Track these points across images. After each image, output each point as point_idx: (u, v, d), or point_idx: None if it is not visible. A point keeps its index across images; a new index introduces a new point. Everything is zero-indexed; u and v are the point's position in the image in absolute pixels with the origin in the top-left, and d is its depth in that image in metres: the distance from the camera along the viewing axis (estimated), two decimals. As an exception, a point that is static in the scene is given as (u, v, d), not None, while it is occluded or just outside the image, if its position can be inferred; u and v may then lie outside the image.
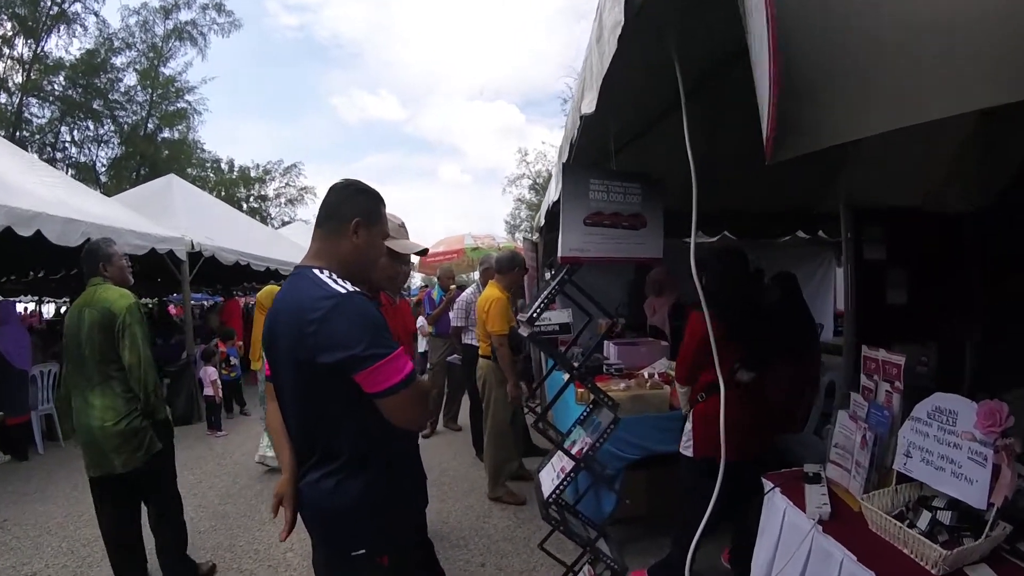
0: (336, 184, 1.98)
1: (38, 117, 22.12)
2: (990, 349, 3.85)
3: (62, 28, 21.60)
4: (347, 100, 63.76)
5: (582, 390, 3.85)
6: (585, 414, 3.49)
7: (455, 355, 6.90)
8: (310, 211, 30.73)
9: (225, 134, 47.69)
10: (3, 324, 6.98)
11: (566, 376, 3.38)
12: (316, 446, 1.81)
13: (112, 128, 23.79)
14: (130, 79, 24.14)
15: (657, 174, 2.82)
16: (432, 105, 68.53)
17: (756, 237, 6.63)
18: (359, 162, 68.13)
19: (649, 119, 3.52)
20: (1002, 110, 0.90)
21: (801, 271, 5.92)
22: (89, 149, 23.82)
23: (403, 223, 2.55)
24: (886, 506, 2.09)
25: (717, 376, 3.01)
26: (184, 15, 24.76)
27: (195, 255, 8.17)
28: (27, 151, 18.95)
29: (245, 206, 29.66)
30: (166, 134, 25.91)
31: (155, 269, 8.66)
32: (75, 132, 23.30)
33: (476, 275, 7.36)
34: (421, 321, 7.88)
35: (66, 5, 21.32)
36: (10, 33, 20.61)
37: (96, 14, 22.08)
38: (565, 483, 3.03)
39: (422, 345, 8.05)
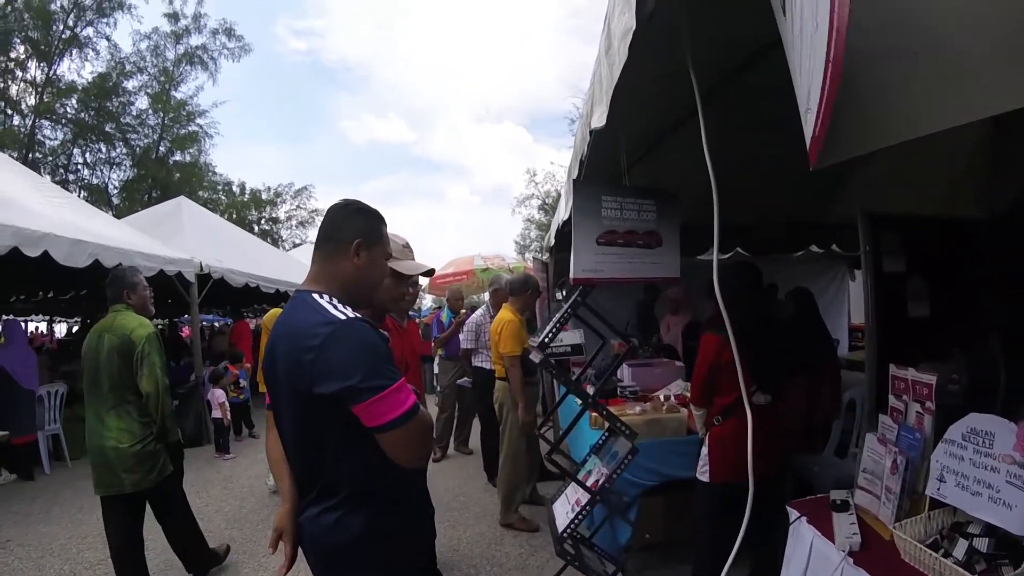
0: (335, 204, 1.91)
1: (51, 139, 22.53)
2: (1016, 362, 3.73)
3: (74, 52, 22.04)
4: (356, 123, 64.37)
5: (596, 414, 3.74)
6: (601, 441, 3.38)
7: (466, 378, 6.83)
8: (321, 233, 30.93)
9: (236, 157, 47.95)
10: (10, 344, 7.04)
11: (580, 402, 3.28)
12: (316, 479, 1.72)
13: (124, 151, 24.13)
14: (142, 102, 24.56)
15: (670, 189, 2.74)
16: (440, 127, 69.11)
17: (769, 252, 6.51)
18: (368, 184, 68.42)
19: (659, 133, 3.46)
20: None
21: (814, 286, 5.83)
22: (101, 171, 24.19)
23: (408, 243, 2.46)
24: (919, 534, 1.98)
25: (732, 398, 2.97)
26: (195, 40, 25.21)
27: (204, 277, 8.16)
28: (40, 173, 19.29)
29: (256, 228, 29.88)
30: (178, 157, 26.19)
31: (164, 291, 8.62)
32: (87, 154, 23.67)
33: (486, 296, 7.29)
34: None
35: (78, 29, 21.76)
36: (23, 56, 21.01)
37: (108, 38, 22.54)
38: (580, 517, 2.92)
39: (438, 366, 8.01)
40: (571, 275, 2.58)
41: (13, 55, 20.79)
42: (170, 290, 8.19)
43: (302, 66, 55.85)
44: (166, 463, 3.66)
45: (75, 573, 4.41)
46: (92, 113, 22.57)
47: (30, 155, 20.78)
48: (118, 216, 14.26)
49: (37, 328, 21.18)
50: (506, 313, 5.05)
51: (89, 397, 3.59)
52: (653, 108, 2.86)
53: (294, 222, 32.62)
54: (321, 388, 1.55)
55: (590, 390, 4.05)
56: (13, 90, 21.22)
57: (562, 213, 3.77)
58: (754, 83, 2.71)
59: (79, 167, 23.59)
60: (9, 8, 19.81)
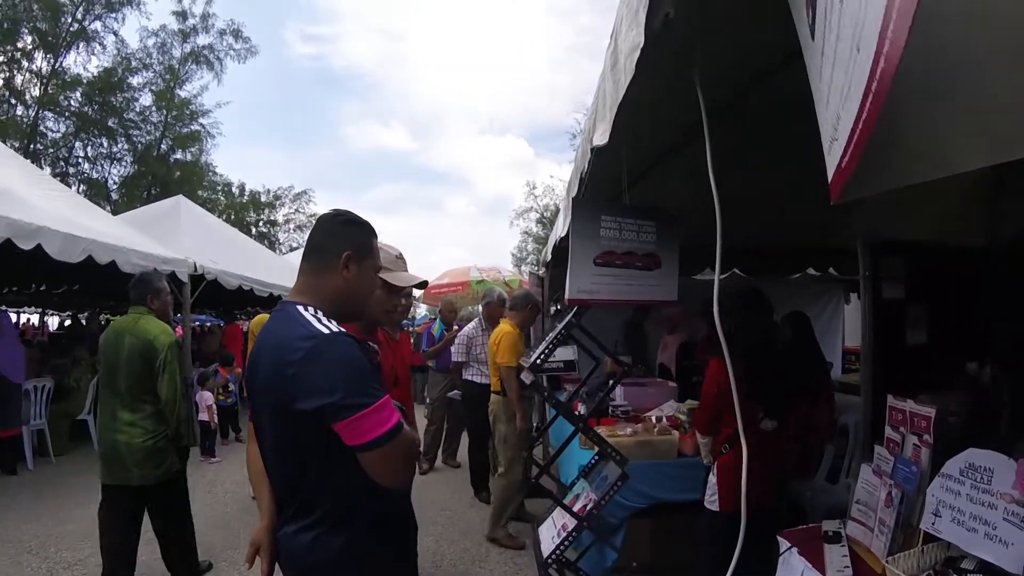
0: (324, 215, 1.87)
1: (53, 131, 22.52)
2: (1018, 395, 3.69)
3: (81, 45, 22.11)
4: (359, 130, 64.30)
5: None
6: (591, 464, 3.33)
7: (456, 391, 6.79)
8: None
9: (237, 158, 47.93)
10: (-1, 336, 6.95)
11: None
12: (295, 495, 1.67)
13: (126, 146, 24.17)
14: (146, 99, 24.60)
15: (670, 207, 2.71)
16: (442, 137, 69.18)
17: (766, 274, 6.51)
18: (369, 192, 68.63)
19: (661, 151, 3.42)
20: None
21: (810, 309, 5.81)
22: (102, 166, 24.22)
23: (401, 254, 2.41)
24: (912, 568, 1.94)
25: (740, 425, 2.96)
26: (202, 39, 25.29)
27: (198, 277, 8.10)
28: (41, 164, 19.27)
29: (254, 230, 29.92)
30: (179, 155, 26.21)
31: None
32: (89, 148, 23.69)
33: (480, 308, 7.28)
34: None
35: (86, 23, 21.82)
36: (30, 47, 21.03)
37: (115, 33, 22.60)
38: (566, 543, 2.86)
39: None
40: (567, 295, 2.54)
41: (20, 45, 20.82)
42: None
43: (308, 71, 56.05)
44: (174, 461, 3.80)
45: (52, 572, 4.35)
46: (96, 107, 22.57)
47: (32, 146, 20.79)
48: (116, 212, 14.23)
49: (29, 320, 21.08)
50: (505, 326, 5.11)
51: (104, 392, 3.76)
52: (656, 127, 2.82)
53: (292, 226, 32.68)
54: (302, 404, 1.50)
55: (582, 408, 4.01)
56: (18, 80, 21.28)
57: (560, 229, 3.74)
58: (759, 105, 2.69)
59: (80, 160, 23.64)
60: (19, -2, 19.85)
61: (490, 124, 69.63)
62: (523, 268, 28.58)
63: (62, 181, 15.65)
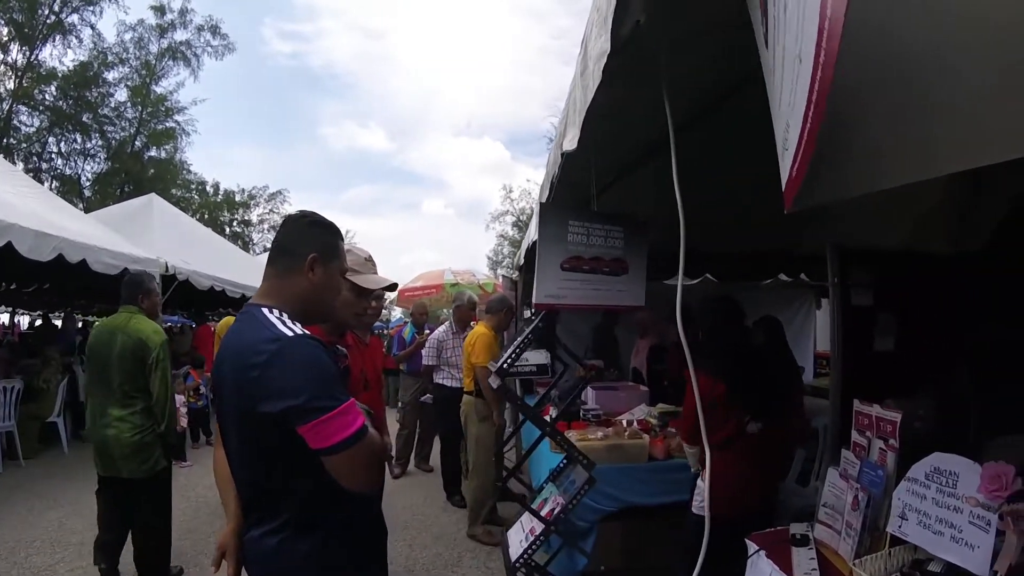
0: (290, 216, 1.86)
1: (27, 125, 22.12)
2: (982, 397, 3.75)
3: (57, 38, 21.72)
4: (336, 130, 64.05)
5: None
6: (560, 467, 3.34)
7: (428, 395, 6.80)
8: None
9: (212, 157, 47.82)
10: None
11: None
12: (260, 499, 1.66)
13: (100, 143, 23.82)
14: (121, 95, 24.30)
15: (641, 214, 2.72)
16: (419, 139, 69.27)
17: (738, 280, 6.57)
18: (345, 192, 68.52)
19: (632, 159, 3.44)
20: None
21: (781, 314, 5.85)
22: (75, 162, 23.82)
23: (370, 256, 2.40)
24: (879, 571, 1.97)
25: (728, 432, 3.05)
26: (179, 35, 25.07)
27: (169, 278, 7.99)
28: (13, 159, 18.90)
29: (228, 230, 29.71)
30: (153, 153, 25.95)
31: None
32: (62, 144, 23.30)
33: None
34: None
35: (63, 15, 21.45)
36: (5, 39, 20.66)
37: (92, 27, 22.25)
38: (534, 546, 2.86)
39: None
40: (534, 300, 2.54)
41: (-4, 36, 20.41)
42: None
43: (286, 69, 55.70)
44: (160, 458, 3.87)
45: (19, 580, 4.25)
46: (70, 102, 22.24)
47: (4, 140, 20.47)
48: (89, 209, 13.98)
49: (-1, 320, 20.66)
50: (481, 328, 5.21)
51: (94, 388, 3.87)
52: (627, 134, 2.83)
53: (266, 226, 32.37)
54: (266, 407, 1.49)
55: (553, 412, 4.02)
56: (-7, 73, 20.84)
57: (532, 233, 3.76)
58: (730, 115, 2.71)
59: (53, 156, 23.25)
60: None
61: (468, 127, 69.92)
62: (498, 271, 28.66)
63: (35, 177, 15.36)
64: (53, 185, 21.61)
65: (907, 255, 3.88)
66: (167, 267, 7.82)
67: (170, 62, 25.07)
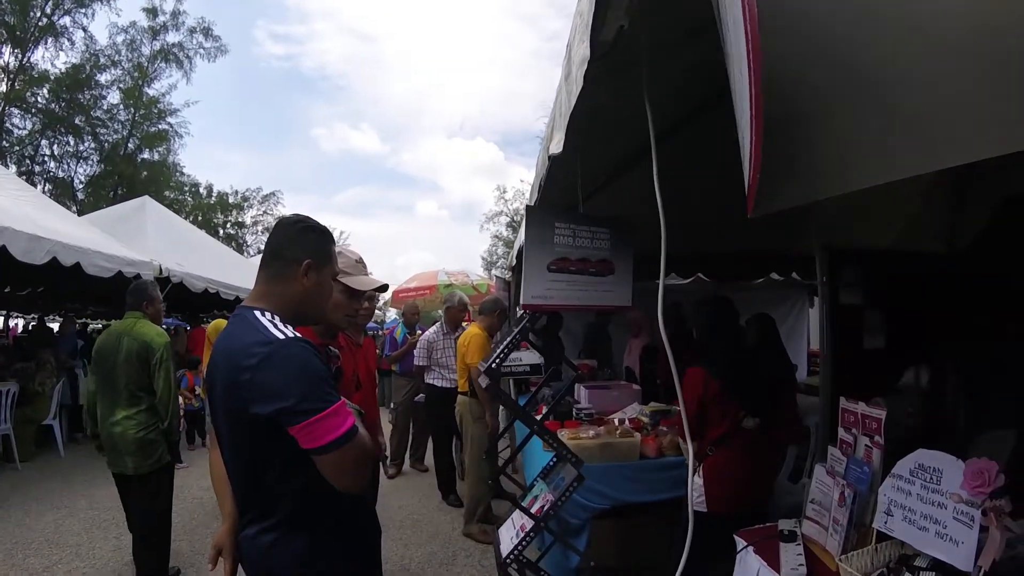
0: (283, 220, 1.88)
1: (19, 128, 22.01)
2: (969, 393, 3.78)
3: (49, 40, 21.67)
4: (329, 132, 63.91)
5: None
6: (550, 465, 3.36)
7: (422, 395, 6.80)
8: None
9: (205, 158, 47.72)
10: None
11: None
12: (255, 498, 1.69)
13: (92, 145, 23.76)
14: (113, 97, 24.25)
15: (630, 217, 2.74)
16: (412, 140, 69.26)
17: (730, 279, 6.59)
18: (338, 194, 68.50)
19: (622, 161, 3.45)
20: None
21: (775, 312, 5.88)
22: (68, 165, 23.79)
23: (361, 258, 2.43)
24: (866, 566, 1.99)
25: (724, 428, 3.11)
26: (172, 37, 25.04)
27: (163, 280, 7.98)
28: (6, 162, 18.82)
29: (222, 232, 29.70)
30: (146, 155, 25.85)
31: (123, 292, 8.44)
32: (55, 146, 23.28)
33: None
34: None
35: (55, 17, 21.37)
36: (-2, 41, 20.49)
37: (84, 29, 22.22)
38: (524, 543, 2.89)
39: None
40: (521, 301, 2.56)
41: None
42: (128, 290, 8.02)
43: (278, 71, 55.63)
44: (164, 453, 4.06)
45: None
46: (63, 104, 22.19)
47: (-3, 142, 20.35)
48: (82, 211, 13.92)
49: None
50: (475, 328, 5.30)
51: (103, 389, 4.01)
52: (614, 138, 2.85)
53: (260, 228, 32.40)
54: (257, 409, 1.52)
55: (546, 411, 4.05)
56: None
57: (522, 236, 3.79)
58: (721, 115, 2.72)
59: (46, 159, 23.21)
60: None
61: (461, 128, 69.83)
62: (493, 272, 28.68)
63: (28, 180, 15.31)
64: (46, 188, 21.56)
65: (895, 254, 3.91)
66: (161, 270, 7.81)
67: (162, 64, 25.09)
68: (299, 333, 1.65)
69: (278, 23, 56.00)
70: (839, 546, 2.16)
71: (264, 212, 32.42)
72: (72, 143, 23.26)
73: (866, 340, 3.87)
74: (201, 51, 25.62)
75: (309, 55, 57.80)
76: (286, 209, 31.73)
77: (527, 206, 2.74)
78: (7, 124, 21.31)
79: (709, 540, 2.55)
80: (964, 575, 1.71)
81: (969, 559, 1.69)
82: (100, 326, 19.00)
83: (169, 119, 25.86)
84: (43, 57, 21.97)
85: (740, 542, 2.44)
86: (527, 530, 2.90)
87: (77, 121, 22.68)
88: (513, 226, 30.31)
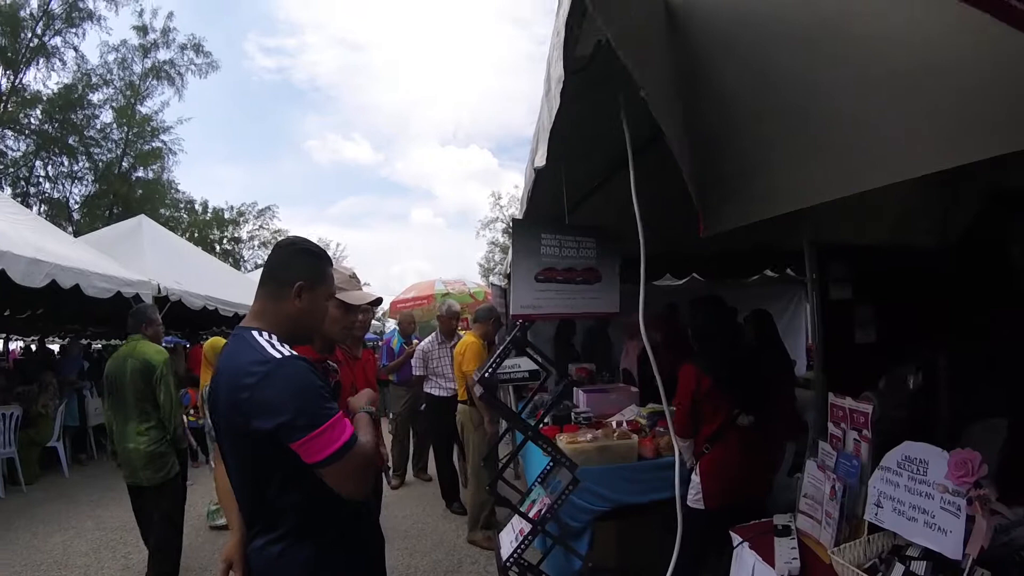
0: (280, 242, 1.97)
1: (13, 150, 21.81)
2: (958, 385, 3.81)
3: (41, 61, 21.48)
4: (321, 143, 63.65)
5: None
6: (548, 469, 3.41)
7: (424, 405, 6.84)
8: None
9: (200, 175, 47.59)
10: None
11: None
12: (261, 511, 1.74)
13: (87, 165, 23.52)
14: (106, 116, 24.00)
15: (618, 223, 2.79)
16: (406, 149, 69.07)
17: (724, 278, 6.62)
18: (333, 205, 68.40)
19: (607, 170, 3.49)
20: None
21: (772, 308, 5.91)
22: (63, 185, 23.50)
23: (354, 274, 2.52)
24: (858, 557, 2.03)
25: (718, 425, 3.17)
26: (163, 54, 24.82)
27: (162, 299, 8.01)
28: (1, 185, 18.80)
29: (218, 248, 29.59)
30: (140, 173, 25.62)
31: (122, 312, 8.46)
32: (49, 167, 22.98)
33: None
34: None
35: (46, 38, 21.24)
36: (-10, 64, 20.44)
37: (75, 49, 22.04)
38: (523, 546, 2.94)
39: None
40: (510, 311, 2.62)
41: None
42: (127, 312, 8.02)
43: (270, 84, 55.37)
44: (174, 465, 4.34)
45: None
46: (56, 125, 21.98)
47: (-9, 166, 20.28)
48: (78, 232, 13.93)
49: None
50: (470, 337, 5.38)
51: (116, 409, 4.27)
52: (598, 148, 2.89)
53: (256, 242, 32.34)
54: (258, 425, 1.58)
55: (548, 417, 4.08)
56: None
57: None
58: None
59: (40, 180, 22.94)
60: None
61: (454, 135, 69.96)
62: (490, 279, 28.63)
63: (23, 202, 15.28)
64: (42, 209, 21.42)
65: (884, 249, 3.95)
66: (159, 289, 7.84)
67: (154, 82, 24.84)
68: (296, 351, 1.71)
69: (268, 36, 56.07)
70: (832, 539, 2.20)
71: (260, 226, 32.32)
72: (66, 163, 23.03)
73: (857, 335, 3.92)
74: (192, 67, 25.46)
75: (300, 67, 57.77)
76: (282, 223, 31.83)
77: (513, 219, 2.80)
78: (1, 146, 21.23)
79: (707, 537, 2.60)
80: (954, 563, 1.75)
81: (957, 547, 1.73)
82: (100, 346, 19.01)
83: (162, 137, 25.64)
84: (35, 78, 21.90)
85: (736, 538, 2.48)
86: (526, 533, 2.94)
87: (71, 141, 22.48)
88: (509, 232, 30.32)
